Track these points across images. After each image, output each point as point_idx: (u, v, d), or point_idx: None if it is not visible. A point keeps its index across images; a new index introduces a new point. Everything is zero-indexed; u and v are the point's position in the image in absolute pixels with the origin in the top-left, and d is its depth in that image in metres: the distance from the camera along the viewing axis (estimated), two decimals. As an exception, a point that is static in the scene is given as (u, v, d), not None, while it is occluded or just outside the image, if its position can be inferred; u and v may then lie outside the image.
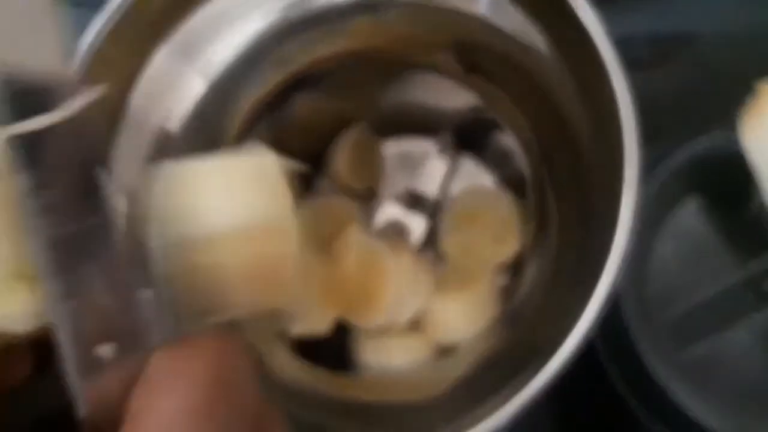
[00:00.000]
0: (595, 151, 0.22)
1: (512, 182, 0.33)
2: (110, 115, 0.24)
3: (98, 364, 0.12)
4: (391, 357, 0.30)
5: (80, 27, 0.23)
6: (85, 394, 0.12)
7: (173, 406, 0.12)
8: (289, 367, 0.28)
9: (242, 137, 0.29)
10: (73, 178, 0.12)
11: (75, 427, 0.12)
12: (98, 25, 0.23)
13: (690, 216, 0.34)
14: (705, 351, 0.31)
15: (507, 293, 0.31)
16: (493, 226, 0.31)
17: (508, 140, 0.30)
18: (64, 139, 0.12)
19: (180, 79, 0.26)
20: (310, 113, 0.32)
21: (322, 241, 0.32)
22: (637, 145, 0.19)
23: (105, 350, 0.12)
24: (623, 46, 0.38)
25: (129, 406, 0.12)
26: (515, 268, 0.31)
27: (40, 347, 0.12)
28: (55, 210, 0.12)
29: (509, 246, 0.31)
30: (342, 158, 0.34)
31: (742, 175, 0.29)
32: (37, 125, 0.12)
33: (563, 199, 0.25)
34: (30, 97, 0.12)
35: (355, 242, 0.30)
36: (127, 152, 0.25)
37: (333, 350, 0.32)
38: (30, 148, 0.12)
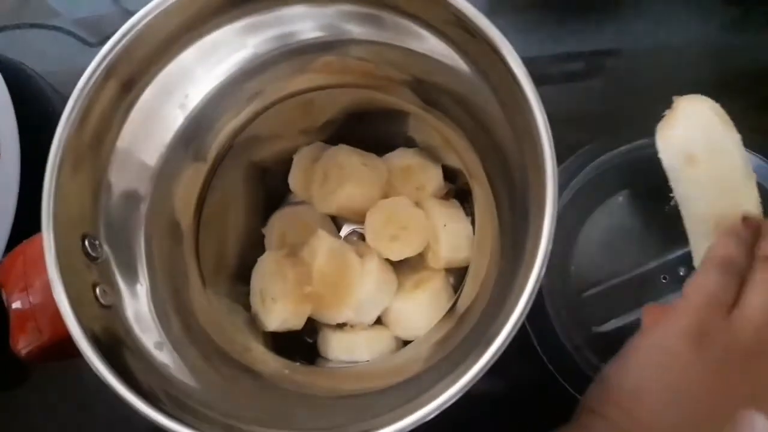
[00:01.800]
0: (524, 171, 0.24)
1: (462, 196, 0.36)
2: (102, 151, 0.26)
3: None
4: (357, 351, 0.33)
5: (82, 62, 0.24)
6: None
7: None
8: (265, 361, 0.30)
9: (219, 159, 0.31)
10: None
11: None
12: (95, 64, 0.24)
13: (617, 208, 0.37)
14: (621, 326, 0.35)
15: (454, 289, 0.34)
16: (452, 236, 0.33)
17: (456, 162, 0.33)
18: None
19: (161, 112, 0.28)
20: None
21: (292, 245, 0.34)
22: (553, 163, 0.22)
23: None
24: (563, 60, 0.42)
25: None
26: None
27: None
28: None
29: (464, 253, 0.33)
30: (295, 175, 0.36)
31: (661, 175, 0.32)
32: None
33: (501, 212, 0.28)
34: None
35: (324, 244, 0.32)
36: (116, 182, 0.27)
37: (305, 347, 0.35)
38: None
